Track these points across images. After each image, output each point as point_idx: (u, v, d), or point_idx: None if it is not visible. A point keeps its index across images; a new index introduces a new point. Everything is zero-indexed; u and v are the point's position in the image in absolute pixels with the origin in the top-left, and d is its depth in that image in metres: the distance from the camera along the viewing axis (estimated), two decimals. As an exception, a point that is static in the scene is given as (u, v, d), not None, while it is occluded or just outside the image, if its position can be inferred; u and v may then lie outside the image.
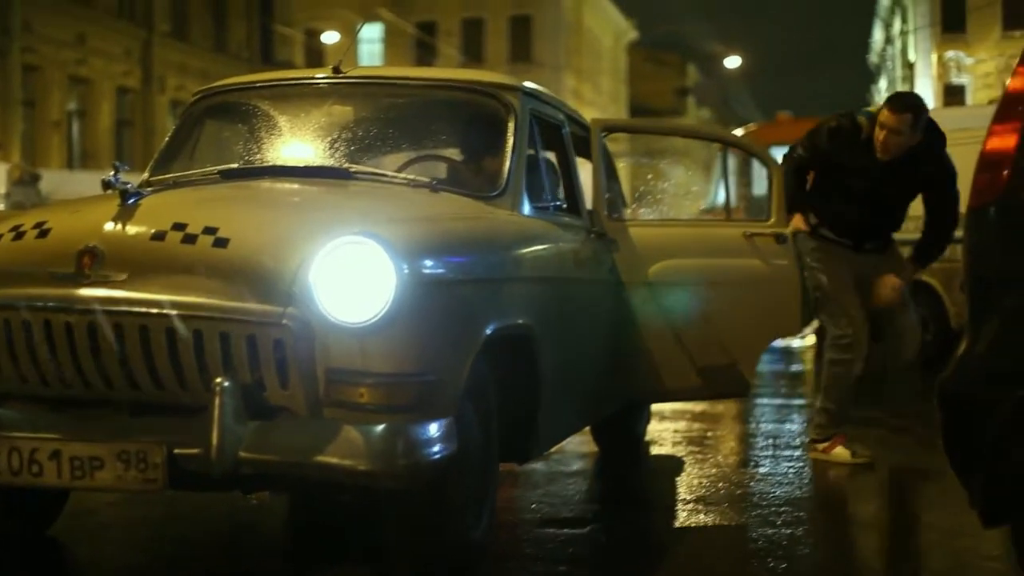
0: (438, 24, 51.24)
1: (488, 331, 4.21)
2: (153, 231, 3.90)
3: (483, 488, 4.47)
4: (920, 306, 11.60)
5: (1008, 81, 3.51)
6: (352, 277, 3.71)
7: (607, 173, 6.49)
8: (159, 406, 3.91)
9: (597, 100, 57.18)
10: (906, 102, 6.43)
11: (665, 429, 8.23)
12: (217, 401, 3.68)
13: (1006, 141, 3.41)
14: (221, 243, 3.85)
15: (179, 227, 3.90)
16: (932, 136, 6.48)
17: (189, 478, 3.81)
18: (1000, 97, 3.56)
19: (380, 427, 3.72)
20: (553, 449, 5.89)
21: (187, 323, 3.78)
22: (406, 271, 3.74)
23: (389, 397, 3.76)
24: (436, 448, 3.83)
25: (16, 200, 21.45)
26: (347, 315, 3.71)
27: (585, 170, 6.23)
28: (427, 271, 3.91)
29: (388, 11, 45.66)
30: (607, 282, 6.03)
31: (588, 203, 6.08)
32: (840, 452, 6.70)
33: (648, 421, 7.76)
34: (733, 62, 49.44)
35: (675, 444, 7.64)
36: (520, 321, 4.58)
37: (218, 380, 3.71)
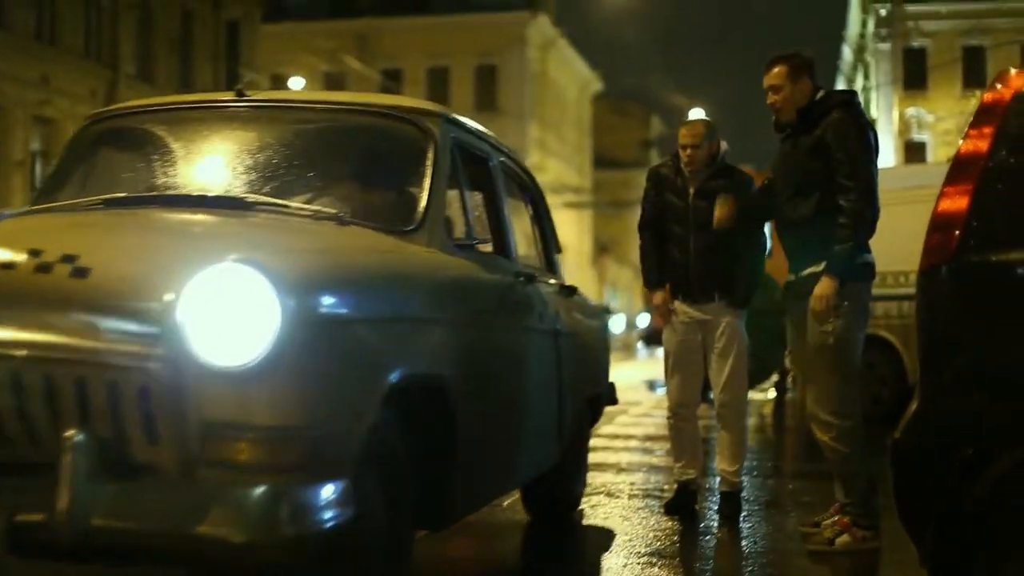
0: (404, 72, 51.03)
1: (393, 379, 3.69)
2: (2, 259, 3.37)
3: (391, 563, 3.90)
4: (878, 362, 11.83)
5: (960, 143, 3.65)
6: (229, 312, 3.19)
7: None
8: (4, 464, 3.35)
9: (561, 150, 57.33)
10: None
11: (622, 481, 8.21)
12: (67, 459, 3.14)
13: (957, 203, 3.54)
14: (80, 273, 3.34)
15: (34, 254, 3.41)
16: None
17: (35, 548, 3.24)
18: (952, 159, 3.67)
19: (260, 489, 3.17)
20: (474, 516, 5.45)
21: (36, 366, 3.26)
22: (293, 305, 3.21)
23: (272, 454, 3.22)
24: (329, 515, 3.29)
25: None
26: (224, 358, 3.18)
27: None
28: (321, 307, 3.39)
29: (354, 58, 45.21)
30: (539, 330, 5.53)
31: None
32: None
33: (585, 482, 7.21)
34: (697, 114, 49.59)
35: (631, 496, 7.61)
36: (433, 369, 4.08)
37: (69, 434, 3.17)
